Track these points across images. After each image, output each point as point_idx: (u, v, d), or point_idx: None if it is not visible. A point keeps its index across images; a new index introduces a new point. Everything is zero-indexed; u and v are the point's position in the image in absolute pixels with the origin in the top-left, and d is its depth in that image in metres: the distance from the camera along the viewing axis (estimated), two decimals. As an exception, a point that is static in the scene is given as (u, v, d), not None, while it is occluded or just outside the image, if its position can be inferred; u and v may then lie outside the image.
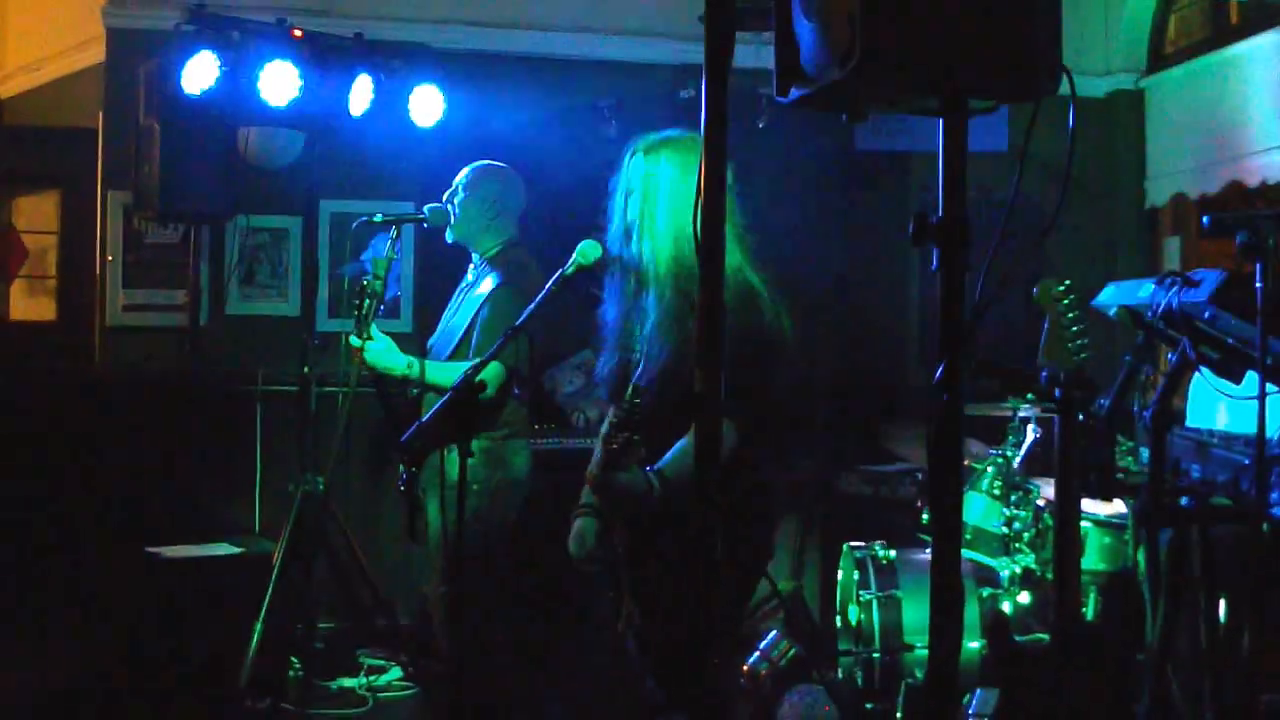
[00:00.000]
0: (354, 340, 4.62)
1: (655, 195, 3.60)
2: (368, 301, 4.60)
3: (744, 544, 3.51)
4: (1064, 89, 2.01)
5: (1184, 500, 3.37)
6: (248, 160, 6.25)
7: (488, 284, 4.69)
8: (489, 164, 4.90)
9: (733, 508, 3.20)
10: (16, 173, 7.20)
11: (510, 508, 4.71)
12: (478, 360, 4.51)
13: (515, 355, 4.53)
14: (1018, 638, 4.43)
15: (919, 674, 4.66)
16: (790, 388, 3.69)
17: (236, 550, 5.62)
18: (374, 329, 4.62)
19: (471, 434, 3.60)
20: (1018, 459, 5.00)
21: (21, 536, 6.30)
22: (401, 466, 3.94)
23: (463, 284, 4.89)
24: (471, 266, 4.87)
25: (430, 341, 4.88)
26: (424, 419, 3.41)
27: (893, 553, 4.98)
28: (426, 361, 4.61)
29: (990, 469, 5.05)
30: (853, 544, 5.11)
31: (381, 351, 4.61)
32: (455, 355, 4.67)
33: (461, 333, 4.69)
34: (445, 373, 4.56)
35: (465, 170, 4.87)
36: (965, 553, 4.93)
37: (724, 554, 2.30)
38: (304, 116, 5.77)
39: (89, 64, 6.80)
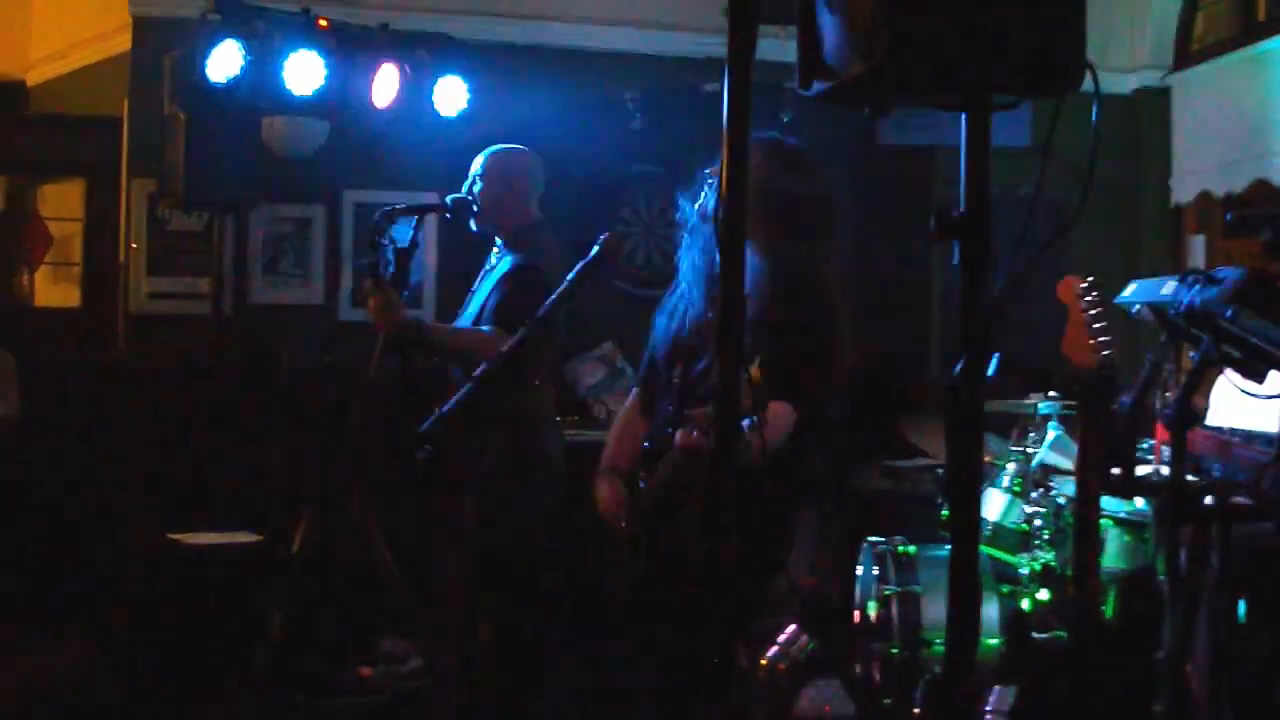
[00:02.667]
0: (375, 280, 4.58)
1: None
2: (393, 261, 4.59)
3: (763, 532, 3.52)
4: (1088, 85, 2.00)
5: (1205, 499, 3.36)
6: (272, 149, 6.26)
7: (506, 265, 4.68)
8: (503, 148, 4.87)
9: (761, 496, 3.20)
10: (42, 160, 7.24)
11: (546, 491, 4.67)
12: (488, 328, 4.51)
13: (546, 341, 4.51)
14: (1036, 635, 4.42)
15: (937, 670, 4.65)
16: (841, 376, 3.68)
17: (257, 537, 5.64)
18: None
19: (489, 419, 3.59)
20: (1038, 456, 4.99)
21: (43, 522, 6.34)
22: (422, 452, 3.91)
23: (485, 268, 4.88)
24: (494, 251, 4.86)
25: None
26: (444, 408, 3.41)
27: (912, 548, 4.97)
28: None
29: (1010, 465, 5.04)
30: (873, 539, 5.11)
31: (396, 303, 4.56)
32: None
33: (480, 312, 4.68)
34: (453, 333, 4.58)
35: (480, 157, 4.84)
36: (985, 549, 4.92)
37: (742, 541, 2.31)
38: (328, 106, 5.78)
39: (114, 52, 6.83)
